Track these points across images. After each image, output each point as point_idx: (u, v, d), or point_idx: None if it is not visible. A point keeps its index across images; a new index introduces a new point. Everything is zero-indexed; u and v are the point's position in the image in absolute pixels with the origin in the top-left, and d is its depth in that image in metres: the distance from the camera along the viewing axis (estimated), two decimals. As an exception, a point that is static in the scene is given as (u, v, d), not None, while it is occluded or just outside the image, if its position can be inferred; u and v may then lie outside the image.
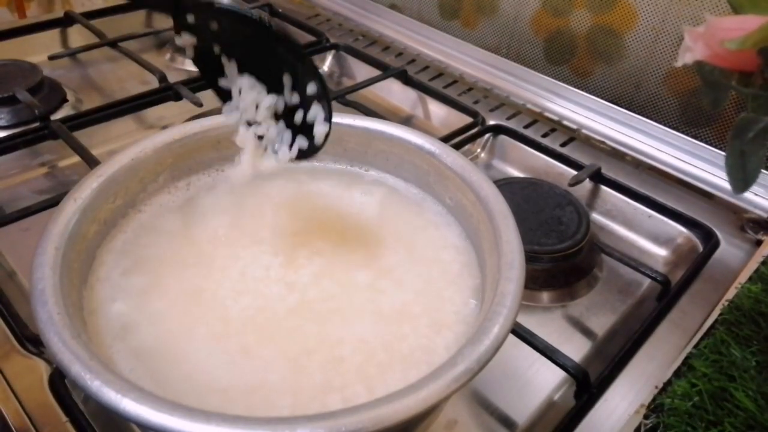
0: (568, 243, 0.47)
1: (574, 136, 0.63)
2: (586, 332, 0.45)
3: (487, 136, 0.63)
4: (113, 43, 0.71)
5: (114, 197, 0.37)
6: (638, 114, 0.63)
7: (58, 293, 0.29)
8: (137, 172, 0.39)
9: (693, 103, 0.62)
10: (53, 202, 0.45)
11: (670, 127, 0.61)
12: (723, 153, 0.57)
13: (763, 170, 0.31)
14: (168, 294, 0.35)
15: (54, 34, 0.76)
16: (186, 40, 0.34)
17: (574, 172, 0.56)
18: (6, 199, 0.53)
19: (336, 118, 0.42)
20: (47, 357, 0.38)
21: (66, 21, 0.76)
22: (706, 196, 0.56)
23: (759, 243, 0.51)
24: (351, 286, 0.36)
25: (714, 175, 0.57)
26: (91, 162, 0.51)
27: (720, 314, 0.38)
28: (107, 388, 0.25)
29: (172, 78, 0.65)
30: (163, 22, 0.81)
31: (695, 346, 0.36)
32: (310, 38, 0.77)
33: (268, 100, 0.34)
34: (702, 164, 0.58)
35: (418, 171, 0.42)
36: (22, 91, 0.60)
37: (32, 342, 0.39)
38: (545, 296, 0.47)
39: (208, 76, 0.35)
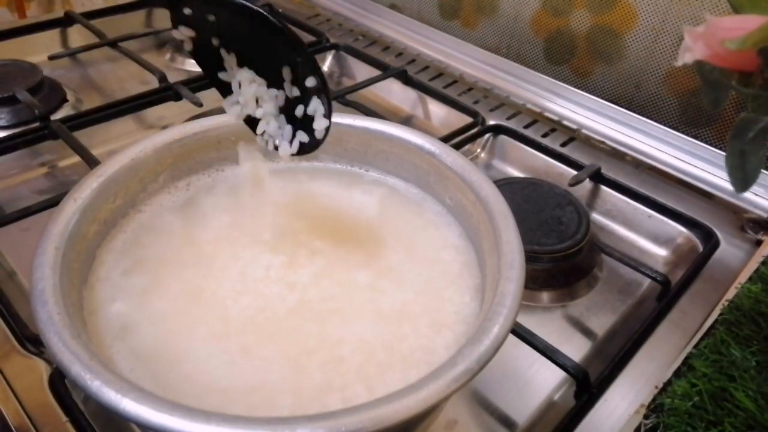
0: (568, 243, 0.47)
1: (574, 136, 0.63)
2: (586, 332, 0.45)
3: (487, 136, 0.63)
4: (113, 43, 0.71)
5: (114, 197, 0.37)
6: (638, 114, 0.63)
7: (58, 293, 0.29)
8: (137, 172, 0.39)
9: (693, 103, 0.62)
10: (53, 202, 0.45)
11: (670, 127, 0.61)
12: (723, 153, 0.57)
13: (763, 170, 0.31)
14: (168, 294, 0.35)
15: (54, 34, 0.76)
16: (184, 32, 0.34)
17: (574, 172, 0.56)
18: (6, 199, 0.53)
19: (336, 118, 0.42)
20: (47, 357, 0.38)
21: (66, 21, 0.76)
22: (706, 196, 0.56)
23: (759, 243, 0.51)
24: (351, 286, 0.36)
25: (714, 175, 0.57)
26: (91, 162, 0.51)
27: (720, 314, 0.38)
28: (107, 388, 0.25)
29: (172, 78, 0.65)
30: (163, 22, 0.81)
31: (695, 346, 0.36)
32: (310, 38, 0.77)
33: (269, 94, 0.34)
34: (702, 164, 0.58)
35: (418, 171, 0.42)
36: (22, 91, 0.60)
37: (32, 342, 0.39)
38: (545, 296, 0.47)
39: (208, 70, 0.35)
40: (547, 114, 0.66)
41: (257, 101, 0.35)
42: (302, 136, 0.34)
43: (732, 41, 0.24)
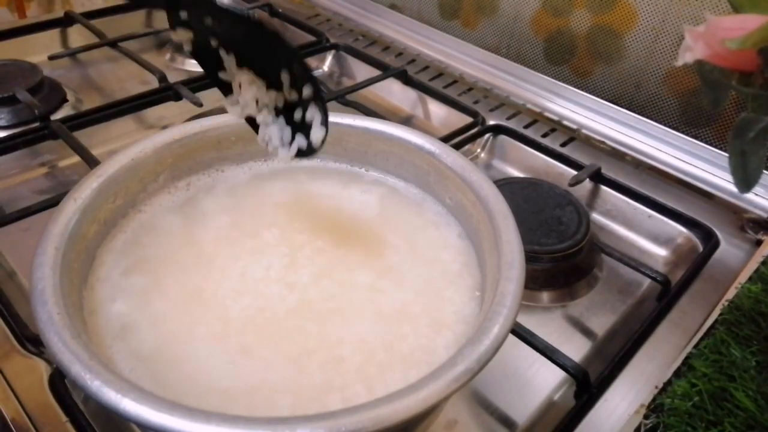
0: (568, 243, 0.47)
1: (574, 136, 0.63)
2: (586, 332, 0.45)
3: (487, 136, 0.63)
4: (113, 43, 0.71)
5: (114, 197, 0.37)
6: (638, 114, 0.63)
7: (58, 293, 0.29)
8: (137, 172, 0.39)
9: (693, 103, 0.62)
10: (53, 202, 0.45)
11: (670, 127, 0.61)
12: (723, 153, 0.58)
13: (764, 170, 0.31)
14: (168, 294, 0.35)
15: (54, 34, 0.76)
16: (181, 35, 0.34)
17: (574, 172, 0.56)
18: (6, 199, 0.53)
19: (336, 118, 0.42)
20: (47, 357, 0.38)
21: (66, 21, 0.76)
22: (706, 196, 0.56)
23: (759, 243, 0.51)
24: (351, 286, 0.36)
25: (714, 175, 0.57)
26: (91, 162, 0.51)
27: (720, 314, 0.38)
28: (107, 388, 0.25)
29: (172, 78, 0.65)
30: (163, 22, 0.80)
31: (695, 346, 0.36)
32: (310, 38, 0.77)
33: (268, 96, 0.34)
34: (702, 164, 0.58)
35: (418, 171, 0.42)
36: (22, 91, 0.60)
37: (32, 342, 0.39)
38: (545, 296, 0.47)
39: (209, 69, 0.35)
40: (547, 114, 0.66)
41: (257, 102, 0.35)
42: (301, 141, 0.35)
43: (732, 41, 0.24)
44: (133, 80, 0.70)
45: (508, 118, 0.65)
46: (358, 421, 0.24)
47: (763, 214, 0.53)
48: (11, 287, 0.43)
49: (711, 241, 0.50)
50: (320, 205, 0.42)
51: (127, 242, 0.38)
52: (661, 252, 0.52)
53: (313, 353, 0.32)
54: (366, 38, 0.79)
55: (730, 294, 0.40)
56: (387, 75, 0.69)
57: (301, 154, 0.35)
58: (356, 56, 0.74)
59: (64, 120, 0.58)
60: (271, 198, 0.41)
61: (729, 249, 0.50)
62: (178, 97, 0.63)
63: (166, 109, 0.64)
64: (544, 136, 0.63)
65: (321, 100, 0.33)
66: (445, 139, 0.57)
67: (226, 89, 0.35)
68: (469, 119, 0.63)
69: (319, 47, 0.76)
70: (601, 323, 0.45)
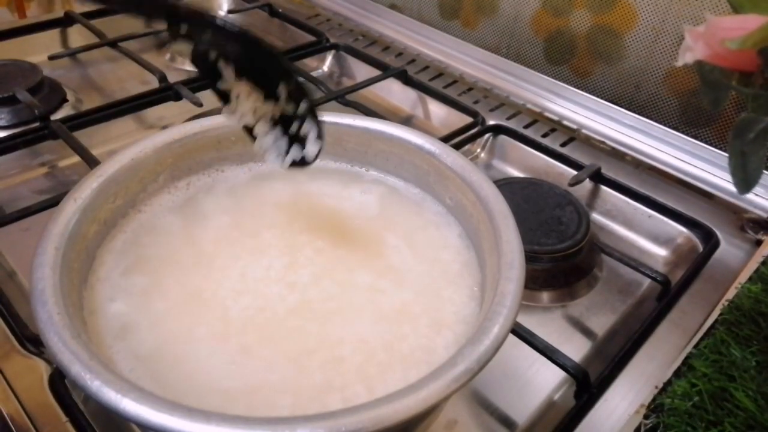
0: (568, 243, 0.47)
1: (574, 136, 0.63)
2: (586, 332, 0.45)
3: (487, 136, 0.63)
4: (113, 43, 0.71)
5: (114, 197, 0.37)
6: (638, 114, 0.63)
7: (58, 293, 0.29)
8: (137, 172, 0.39)
9: (693, 103, 0.62)
10: (53, 202, 0.45)
11: (670, 127, 0.61)
12: (723, 153, 0.58)
13: (764, 170, 0.31)
14: (168, 294, 0.35)
15: (54, 34, 0.76)
16: (181, 46, 0.34)
17: (574, 172, 0.56)
18: (6, 199, 0.53)
19: (336, 118, 0.42)
20: (47, 357, 0.38)
21: (66, 21, 0.76)
22: (706, 196, 0.56)
23: (759, 243, 0.51)
24: (351, 286, 0.36)
25: (714, 175, 0.57)
26: (91, 162, 0.51)
27: (720, 314, 0.38)
28: (107, 388, 0.25)
29: (172, 78, 0.65)
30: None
31: (695, 346, 0.36)
32: (310, 38, 0.77)
33: (265, 107, 0.35)
34: (702, 164, 0.58)
35: (418, 171, 0.42)
36: (22, 91, 0.60)
37: (32, 342, 0.39)
38: (545, 296, 0.47)
39: (208, 78, 0.35)
40: (547, 114, 0.66)
41: (255, 112, 0.35)
42: (295, 153, 0.36)
43: (732, 41, 0.24)
44: (133, 80, 0.70)
45: (508, 118, 0.65)
46: (358, 421, 0.24)
47: (763, 214, 0.53)
48: (11, 287, 0.43)
49: (711, 241, 0.50)
50: (320, 205, 0.42)
51: (127, 242, 0.38)
52: (661, 252, 0.52)
53: (313, 353, 0.32)
54: (366, 38, 0.79)
55: (730, 294, 0.40)
56: (387, 75, 0.69)
57: (295, 164, 0.36)
58: (356, 56, 0.74)
59: (64, 120, 0.58)
60: (271, 198, 0.41)
61: (729, 249, 0.50)
62: (178, 97, 0.63)
63: (166, 109, 0.64)
64: (544, 136, 0.63)
65: (316, 116, 0.34)
66: (445, 139, 0.57)
67: (225, 98, 0.36)
68: (469, 119, 0.63)
69: (319, 47, 0.76)
70: (601, 323, 0.45)
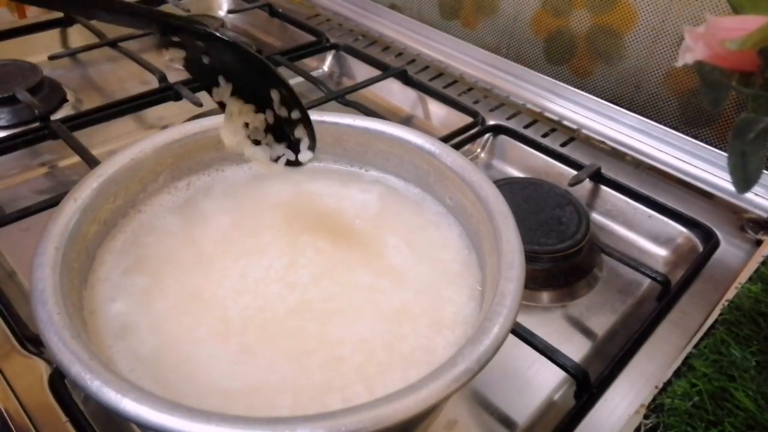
0: (568, 243, 0.47)
1: (574, 136, 0.63)
2: (586, 332, 0.45)
3: (487, 136, 0.63)
4: (113, 43, 0.71)
5: (114, 197, 0.37)
6: (638, 114, 0.63)
7: (58, 293, 0.29)
8: (137, 172, 0.39)
9: (693, 103, 0.62)
10: (53, 202, 0.45)
11: (670, 127, 0.61)
12: (723, 153, 0.58)
13: (764, 170, 0.31)
14: (168, 294, 0.35)
15: (54, 34, 0.76)
16: (174, 53, 0.35)
17: (574, 172, 0.56)
18: (6, 199, 0.53)
19: (336, 118, 0.42)
20: (47, 357, 0.38)
21: (66, 21, 0.76)
22: (706, 196, 0.56)
23: (759, 243, 0.51)
24: (351, 285, 0.36)
25: (714, 175, 0.57)
26: (91, 162, 0.51)
27: (720, 314, 0.38)
28: (107, 388, 0.25)
29: (172, 78, 0.65)
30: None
31: (695, 346, 0.36)
32: (310, 38, 0.77)
33: (257, 119, 0.36)
34: (702, 164, 0.58)
35: (418, 171, 0.42)
36: (22, 91, 0.60)
37: (32, 342, 0.39)
38: (545, 296, 0.47)
39: (202, 83, 0.36)
40: (547, 114, 0.66)
41: (247, 125, 0.36)
42: (289, 155, 0.37)
43: (732, 41, 0.24)
44: (133, 80, 0.70)
45: (508, 118, 0.65)
46: (358, 421, 0.24)
47: (763, 214, 0.53)
48: (11, 287, 0.43)
49: (711, 241, 0.50)
50: (320, 205, 0.42)
51: (127, 242, 0.38)
52: (661, 252, 0.52)
53: (313, 353, 0.32)
54: (366, 38, 0.79)
55: (730, 294, 0.40)
56: (387, 75, 0.69)
57: (289, 164, 0.37)
58: (356, 56, 0.74)
59: (64, 120, 0.58)
60: (271, 198, 0.41)
61: (729, 249, 0.50)
62: (178, 97, 0.63)
63: (166, 109, 0.64)
64: (544, 136, 0.63)
65: (309, 123, 0.35)
66: (445, 139, 0.57)
67: (224, 107, 0.37)
68: (469, 119, 0.63)
69: (319, 47, 0.76)
70: (601, 323, 0.45)
